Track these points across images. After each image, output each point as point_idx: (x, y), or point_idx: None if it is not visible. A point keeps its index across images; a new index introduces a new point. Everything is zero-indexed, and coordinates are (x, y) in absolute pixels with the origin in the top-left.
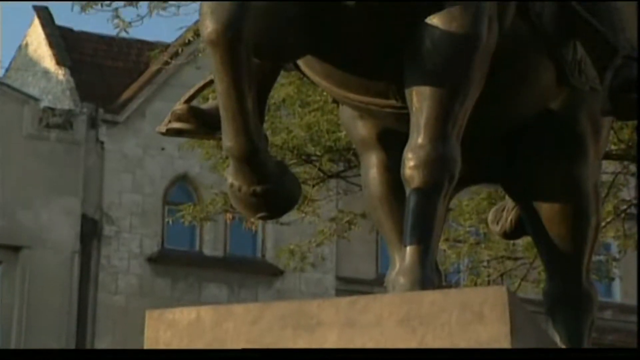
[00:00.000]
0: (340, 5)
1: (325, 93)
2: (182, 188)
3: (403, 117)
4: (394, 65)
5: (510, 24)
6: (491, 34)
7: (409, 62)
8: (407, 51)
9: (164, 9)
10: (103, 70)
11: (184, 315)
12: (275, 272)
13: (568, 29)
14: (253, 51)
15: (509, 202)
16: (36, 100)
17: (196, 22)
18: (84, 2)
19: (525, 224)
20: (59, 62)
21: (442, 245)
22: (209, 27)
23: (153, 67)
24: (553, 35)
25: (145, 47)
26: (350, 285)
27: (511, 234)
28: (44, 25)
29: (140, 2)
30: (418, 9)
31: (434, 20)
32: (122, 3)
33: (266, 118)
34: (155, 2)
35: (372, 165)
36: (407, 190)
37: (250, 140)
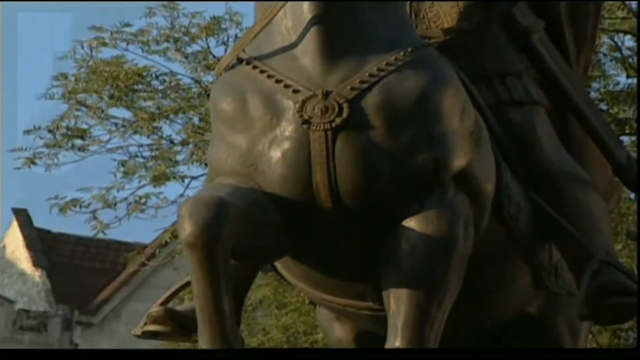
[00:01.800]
0: (317, 209)
1: (302, 294)
2: None
3: (380, 320)
4: (371, 267)
5: (487, 227)
6: (467, 238)
7: (386, 265)
8: (384, 253)
9: (142, 211)
10: (80, 271)
11: None
12: None
13: (543, 233)
14: (231, 253)
15: None
16: (11, 302)
17: (173, 224)
18: (62, 205)
19: None
20: (36, 264)
21: None
22: (187, 229)
23: (130, 269)
24: (529, 239)
25: (122, 248)
26: None
27: None
28: (22, 227)
29: (119, 204)
30: (395, 211)
31: (411, 223)
32: (100, 205)
33: (243, 319)
34: (134, 205)
35: None
36: None
37: (226, 343)
